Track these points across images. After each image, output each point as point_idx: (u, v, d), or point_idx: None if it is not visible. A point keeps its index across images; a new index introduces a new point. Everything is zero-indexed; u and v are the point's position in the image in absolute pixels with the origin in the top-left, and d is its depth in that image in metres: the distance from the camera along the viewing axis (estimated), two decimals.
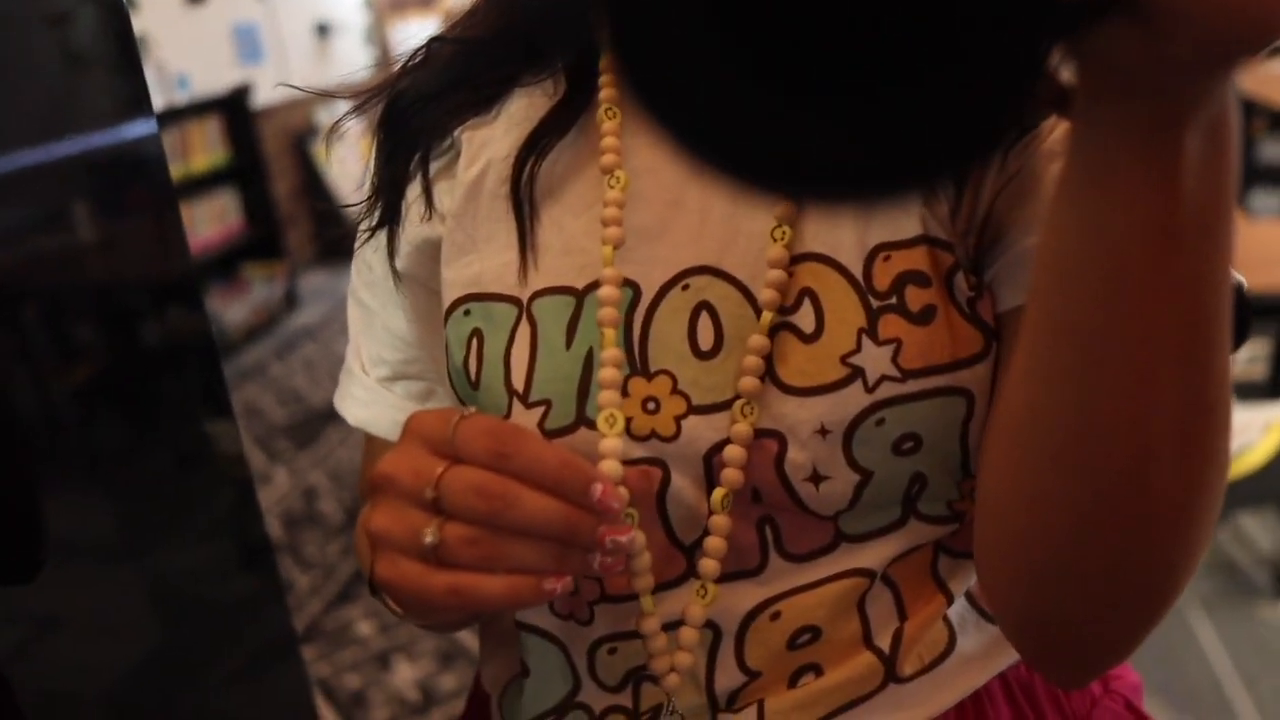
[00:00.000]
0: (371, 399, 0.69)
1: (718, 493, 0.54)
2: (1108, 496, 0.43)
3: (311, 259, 6.28)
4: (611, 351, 0.54)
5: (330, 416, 4.03)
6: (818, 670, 0.57)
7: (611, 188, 0.57)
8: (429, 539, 0.46)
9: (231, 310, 4.96)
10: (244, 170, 5.38)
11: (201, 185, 5.05)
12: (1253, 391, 2.26)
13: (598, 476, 0.47)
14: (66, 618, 1.02)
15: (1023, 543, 0.47)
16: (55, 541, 0.97)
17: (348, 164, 6.51)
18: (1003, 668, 0.60)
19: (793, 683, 0.57)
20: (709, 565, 0.55)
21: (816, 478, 0.53)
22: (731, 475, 0.53)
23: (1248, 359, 2.24)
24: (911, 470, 0.54)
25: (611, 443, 0.53)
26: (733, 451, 0.53)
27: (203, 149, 5.09)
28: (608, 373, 0.54)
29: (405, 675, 2.48)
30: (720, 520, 0.54)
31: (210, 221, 5.12)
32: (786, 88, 0.31)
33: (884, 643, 0.57)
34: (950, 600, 0.58)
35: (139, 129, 1.13)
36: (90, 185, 1.13)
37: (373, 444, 0.71)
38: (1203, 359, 0.40)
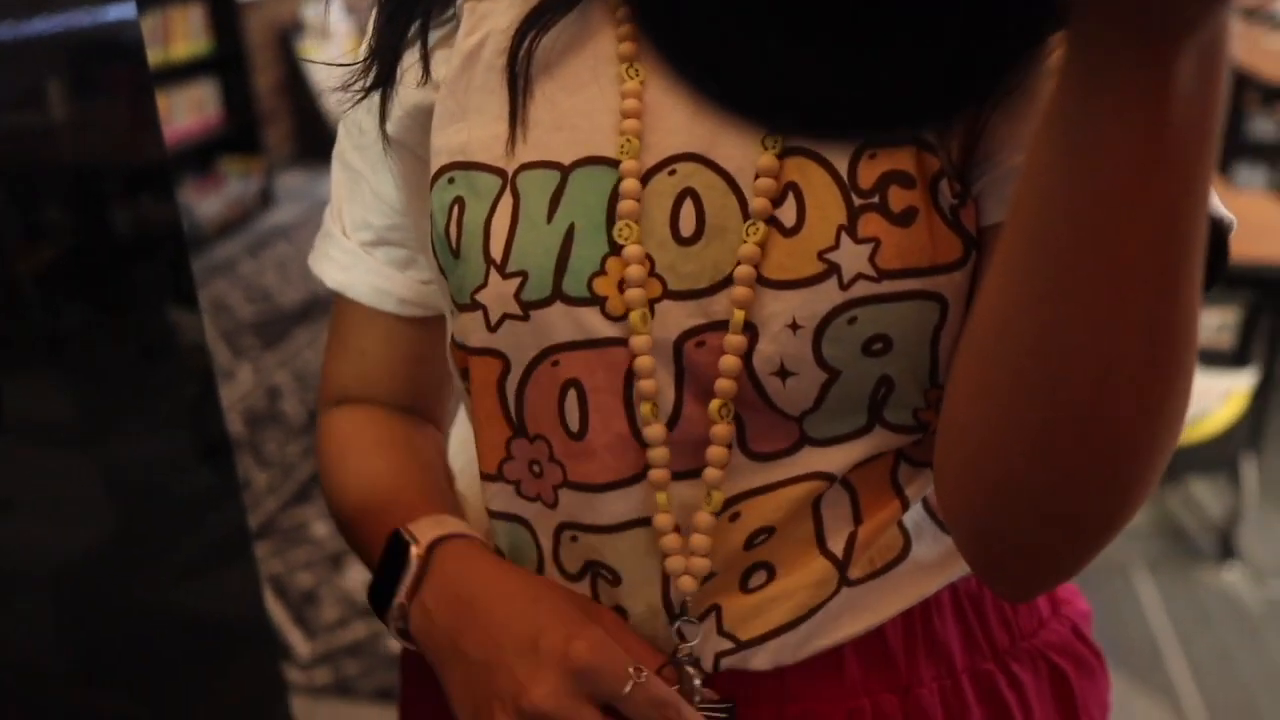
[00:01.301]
0: (351, 262, 0.69)
1: (714, 403, 0.54)
2: (1067, 417, 0.43)
3: (290, 158, 6.19)
4: (635, 249, 0.54)
5: (300, 317, 4.03)
6: (770, 570, 0.58)
7: (631, 78, 0.56)
8: None
9: (205, 204, 4.90)
10: (226, 61, 5.27)
11: (181, 74, 4.95)
12: (1218, 359, 2.29)
13: None
14: (19, 500, 1.01)
15: (981, 458, 0.47)
16: (11, 422, 0.97)
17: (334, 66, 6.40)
18: (954, 578, 0.60)
19: (744, 581, 0.58)
20: (713, 474, 0.55)
21: (783, 373, 0.53)
22: (725, 385, 0.54)
23: (1217, 327, 2.26)
24: (879, 373, 0.53)
25: (643, 339, 0.54)
26: (728, 361, 0.53)
27: (184, 36, 4.98)
28: (634, 270, 0.54)
29: (357, 577, 2.50)
30: (722, 429, 0.55)
31: (188, 111, 5.02)
32: (781, 25, 0.30)
33: (837, 547, 0.57)
34: (906, 506, 0.58)
35: (118, 11, 1.10)
36: (64, 65, 1.10)
37: (346, 307, 0.72)
38: (1173, 287, 0.40)
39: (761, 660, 0.58)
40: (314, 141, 6.25)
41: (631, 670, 0.53)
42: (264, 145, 5.56)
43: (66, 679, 1.09)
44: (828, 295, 0.52)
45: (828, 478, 0.56)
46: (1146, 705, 2.12)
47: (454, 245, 0.58)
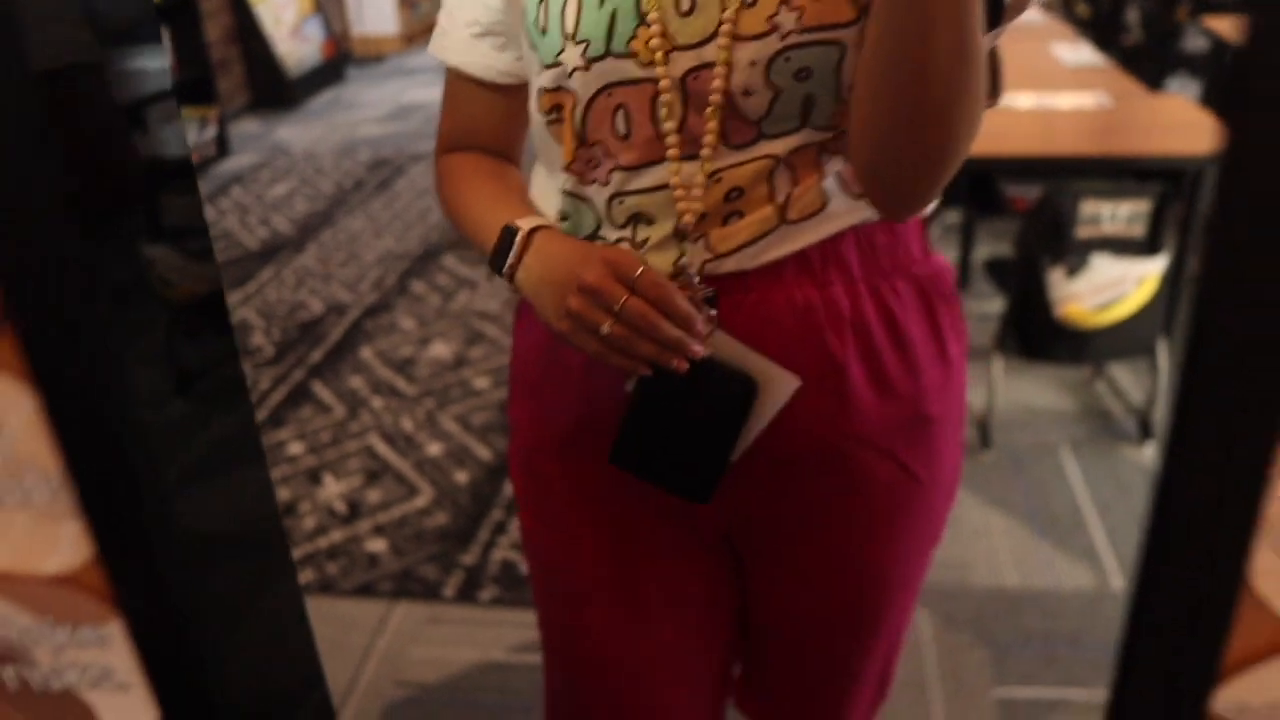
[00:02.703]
0: (466, 48, 1.01)
1: (708, 110, 0.87)
2: (911, 99, 0.80)
3: (244, 107, 6.23)
4: (655, 14, 0.86)
5: (263, 258, 4.12)
6: (741, 214, 0.92)
7: None
8: (605, 330, 0.87)
9: None
10: (174, 10, 5.29)
11: None
12: (1131, 247, 2.44)
13: (699, 321, 0.89)
14: None
15: (872, 129, 0.84)
16: None
17: (283, 12, 6.41)
18: (856, 223, 0.93)
19: (725, 221, 0.92)
20: (706, 152, 0.89)
21: (747, 93, 0.87)
22: (716, 99, 0.87)
23: (1128, 217, 2.41)
24: (805, 92, 0.86)
25: (661, 69, 0.87)
26: (717, 84, 0.86)
27: None
28: (656, 28, 0.87)
29: (332, 489, 2.64)
30: (713, 125, 0.88)
31: None
32: None
33: (780, 199, 0.91)
34: (824, 177, 0.91)
35: None
36: None
37: (458, 82, 1.04)
38: (963, 24, 0.75)
39: (730, 265, 0.93)
40: (267, 89, 6.29)
41: (642, 265, 0.87)
42: (217, 94, 5.59)
43: None
44: (773, 44, 0.85)
45: (775, 158, 0.90)
46: (1069, 565, 2.30)
47: (541, 26, 0.91)
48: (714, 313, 0.92)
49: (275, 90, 6.32)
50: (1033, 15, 4.42)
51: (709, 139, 0.89)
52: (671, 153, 0.90)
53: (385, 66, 7.43)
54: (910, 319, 0.97)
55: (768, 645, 1.19)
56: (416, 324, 3.56)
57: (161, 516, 0.40)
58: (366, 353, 3.36)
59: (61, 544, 0.44)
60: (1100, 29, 5.16)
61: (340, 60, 7.01)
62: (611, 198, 0.94)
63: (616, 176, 0.93)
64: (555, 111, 0.94)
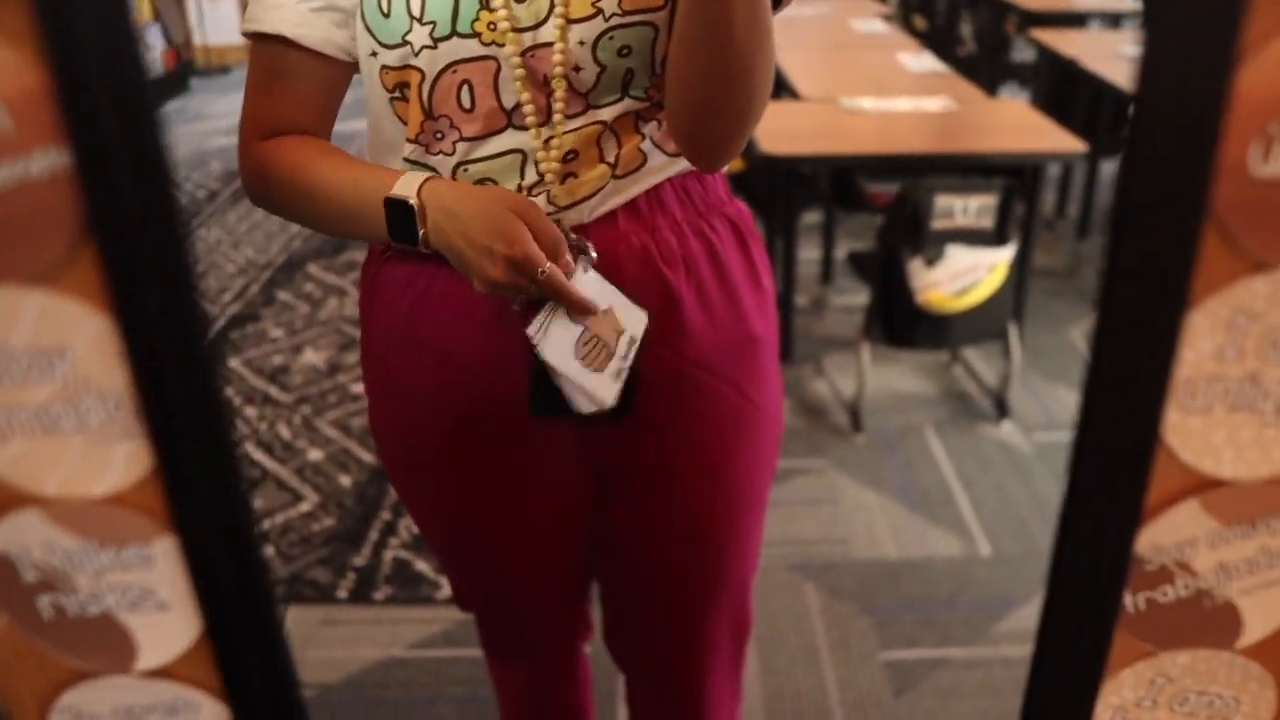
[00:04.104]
0: (304, 20, 1.00)
1: (555, 80, 0.97)
2: (713, 70, 0.91)
3: None
4: (500, 1, 0.95)
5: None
6: (576, 175, 1.02)
7: None
8: (526, 290, 0.96)
9: None
10: None
11: None
12: (981, 238, 2.61)
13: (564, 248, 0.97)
14: None
15: (682, 98, 0.96)
16: None
17: None
18: (672, 175, 1.05)
19: (563, 180, 1.01)
20: (557, 117, 0.98)
21: (577, 69, 0.97)
22: (559, 71, 0.97)
23: (977, 210, 2.58)
24: (626, 67, 0.98)
25: (510, 50, 0.96)
26: (558, 59, 0.96)
27: None
28: (501, 12, 0.95)
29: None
30: (561, 95, 0.98)
31: None
32: None
33: (609, 160, 1.02)
34: (643, 139, 1.03)
35: None
36: None
37: (288, 60, 1.01)
38: (758, 7, 0.87)
39: (571, 218, 1.02)
40: None
41: (546, 265, 0.95)
42: None
43: None
44: (598, 25, 0.95)
45: (603, 123, 1.00)
46: (941, 536, 2.44)
47: (385, 11, 0.96)
48: (594, 256, 1.01)
49: None
50: (877, 27, 4.63)
51: (558, 105, 0.98)
52: (530, 120, 0.98)
53: (231, 77, 7.27)
54: (729, 253, 1.09)
55: (623, 576, 1.26)
56: (286, 332, 3.52)
57: (223, 429, 0.44)
58: (235, 363, 3.31)
59: (114, 465, 0.45)
60: (937, 41, 5.44)
61: (183, 71, 6.83)
62: (457, 166, 1.01)
63: (461, 146, 1.00)
64: (399, 89, 0.99)
